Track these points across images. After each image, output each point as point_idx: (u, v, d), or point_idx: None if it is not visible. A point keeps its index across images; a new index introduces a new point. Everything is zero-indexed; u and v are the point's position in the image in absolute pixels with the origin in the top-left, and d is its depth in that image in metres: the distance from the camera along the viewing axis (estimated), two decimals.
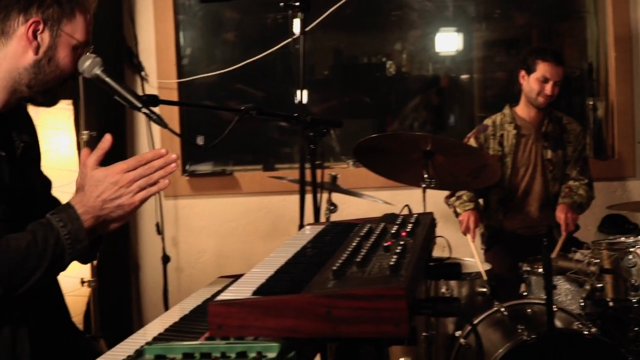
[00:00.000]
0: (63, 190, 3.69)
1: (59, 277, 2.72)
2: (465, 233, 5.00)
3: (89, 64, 2.56)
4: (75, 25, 2.55)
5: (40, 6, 2.50)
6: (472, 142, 5.23)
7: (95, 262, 4.97)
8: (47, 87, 2.56)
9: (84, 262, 2.77)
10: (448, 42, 6.34)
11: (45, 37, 2.51)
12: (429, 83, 6.39)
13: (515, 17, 6.40)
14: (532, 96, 5.11)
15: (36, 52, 2.51)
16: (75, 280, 4.87)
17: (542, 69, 5.05)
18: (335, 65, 6.53)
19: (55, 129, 4.98)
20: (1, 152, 2.52)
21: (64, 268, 2.50)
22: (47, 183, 2.91)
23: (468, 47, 6.34)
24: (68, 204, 2.47)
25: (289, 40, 5.42)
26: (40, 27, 2.50)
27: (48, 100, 2.62)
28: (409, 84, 6.37)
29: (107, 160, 2.46)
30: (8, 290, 2.36)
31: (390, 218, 2.51)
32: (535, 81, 5.07)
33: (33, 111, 4.80)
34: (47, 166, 2.99)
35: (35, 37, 2.50)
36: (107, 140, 2.46)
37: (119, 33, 5.70)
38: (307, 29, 3.93)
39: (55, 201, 2.87)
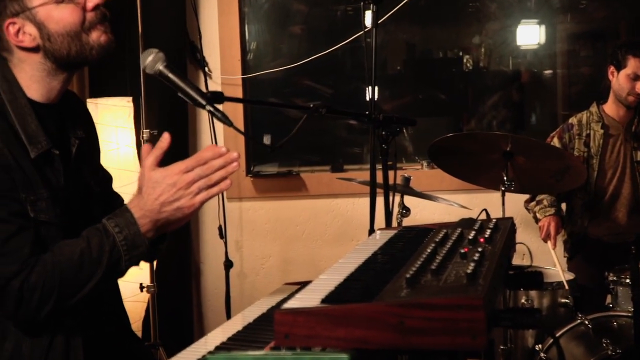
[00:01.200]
0: (123, 191, 3.73)
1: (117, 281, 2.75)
2: (545, 240, 4.96)
3: (152, 60, 2.56)
4: None
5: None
6: (555, 142, 5.18)
7: (155, 267, 5.01)
8: (73, 52, 2.54)
9: (146, 260, 2.79)
10: (530, 34, 6.29)
11: (27, 27, 2.52)
12: (509, 79, 6.35)
13: (602, 8, 6.33)
14: (622, 94, 5.04)
15: (34, 43, 2.53)
16: (134, 286, 4.90)
17: (633, 65, 4.98)
18: (408, 60, 6.52)
19: (115, 126, 5.03)
20: (54, 151, 2.54)
21: (121, 275, 2.52)
22: (107, 179, 2.93)
23: (551, 40, 6.29)
24: (125, 208, 2.48)
25: (360, 33, 5.45)
26: (17, 25, 2.51)
27: (90, 55, 2.58)
28: (488, 80, 6.34)
29: (169, 160, 2.47)
30: (61, 300, 2.38)
31: (467, 223, 2.50)
32: (625, 78, 5.00)
33: (91, 108, 4.88)
34: (106, 166, 3.02)
35: (20, 35, 2.52)
36: (165, 139, 2.46)
37: (181, 27, 5.74)
38: (380, 21, 3.92)
39: (118, 198, 2.91)
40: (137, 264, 2.54)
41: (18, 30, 2.51)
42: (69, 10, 2.54)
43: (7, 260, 2.35)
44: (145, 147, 2.52)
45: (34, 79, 2.56)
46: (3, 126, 2.45)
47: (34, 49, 2.53)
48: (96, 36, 2.57)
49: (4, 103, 2.49)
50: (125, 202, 2.55)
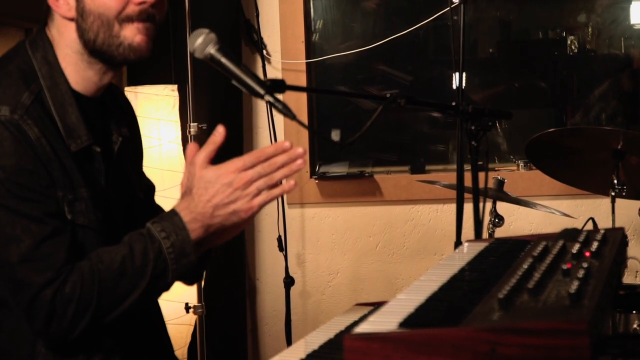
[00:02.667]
0: (165, 195, 3.78)
1: (159, 300, 2.78)
2: None
3: (201, 41, 2.56)
4: None
5: None
6: None
7: (202, 284, 5.04)
8: (100, 39, 2.56)
9: (188, 282, 2.81)
10: None
11: None
12: (620, 64, 6.30)
13: None
14: None
15: (70, 15, 2.57)
16: (178, 306, 4.91)
17: None
18: (502, 42, 6.49)
19: (157, 119, 5.06)
20: (96, 148, 2.58)
21: (166, 288, 2.55)
22: (149, 188, 2.97)
23: None
24: (172, 211, 2.50)
25: (446, 10, 5.44)
26: None
27: (117, 51, 2.60)
28: (595, 66, 6.29)
29: (220, 158, 2.49)
30: (98, 314, 2.41)
31: (570, 234, 2.50)
32: None
33: (130, 98, 4.93)
34: (147, 165, 3.05)
35: None
36: (219, 133, 2.48)
37: (236, 3, 5.77)
38: None
39: (159, 210, 2.93)
40: (184, 276, 2.57)
41: None
42: None
43: (39, 266, 2.38)
44: (191, 145, 2.54)
45: (67, 60, 2.60)
46: (40, 114, 2.48)
47: (68, 19, 2.58)
48: (130, 33, 2.58)
49: (42, 89, 2.53)
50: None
